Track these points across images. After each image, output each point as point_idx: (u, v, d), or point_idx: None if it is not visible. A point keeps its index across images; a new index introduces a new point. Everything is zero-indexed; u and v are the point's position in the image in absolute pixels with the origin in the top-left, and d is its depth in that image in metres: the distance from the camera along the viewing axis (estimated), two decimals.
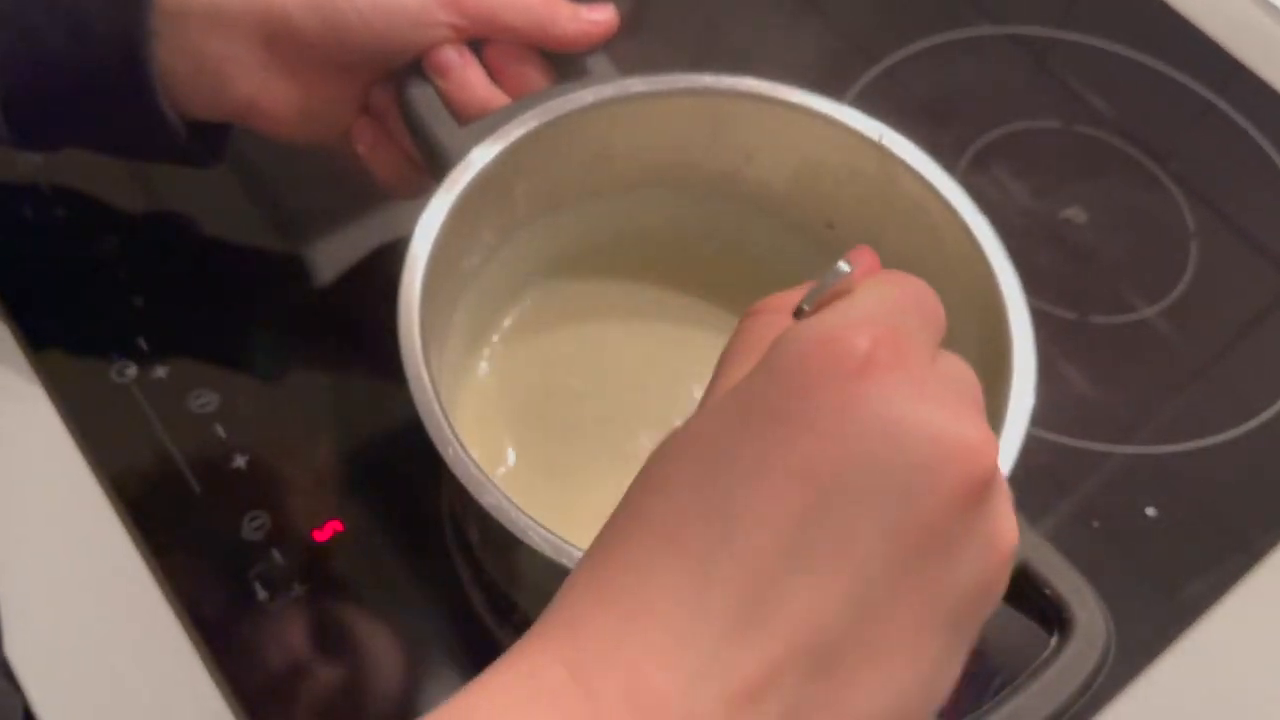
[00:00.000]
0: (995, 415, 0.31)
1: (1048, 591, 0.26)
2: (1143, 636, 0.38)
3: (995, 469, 0.22)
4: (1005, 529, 0.22)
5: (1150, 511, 0.41)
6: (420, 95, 0.38)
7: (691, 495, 0.21)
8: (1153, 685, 0.37)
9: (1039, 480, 0.42)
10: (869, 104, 0.52)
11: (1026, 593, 0.26)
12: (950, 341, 0.36)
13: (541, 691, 0.20)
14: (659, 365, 0.40)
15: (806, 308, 0.23)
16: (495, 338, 0.40)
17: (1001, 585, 0.22)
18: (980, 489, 0.21)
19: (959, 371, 0.23)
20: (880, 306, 0.23)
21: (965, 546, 0.21)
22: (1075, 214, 0.50)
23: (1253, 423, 0.44)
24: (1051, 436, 0.43)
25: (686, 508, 0.21)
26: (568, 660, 0.20)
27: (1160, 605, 0.39)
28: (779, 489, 0.21)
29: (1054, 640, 0.25)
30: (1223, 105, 0.54)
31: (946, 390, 0.22)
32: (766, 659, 0.20)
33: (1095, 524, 0.41)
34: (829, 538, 0.20)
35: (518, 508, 0.29)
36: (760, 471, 0.21)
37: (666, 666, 0.20)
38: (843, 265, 0.23)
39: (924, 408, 0.21)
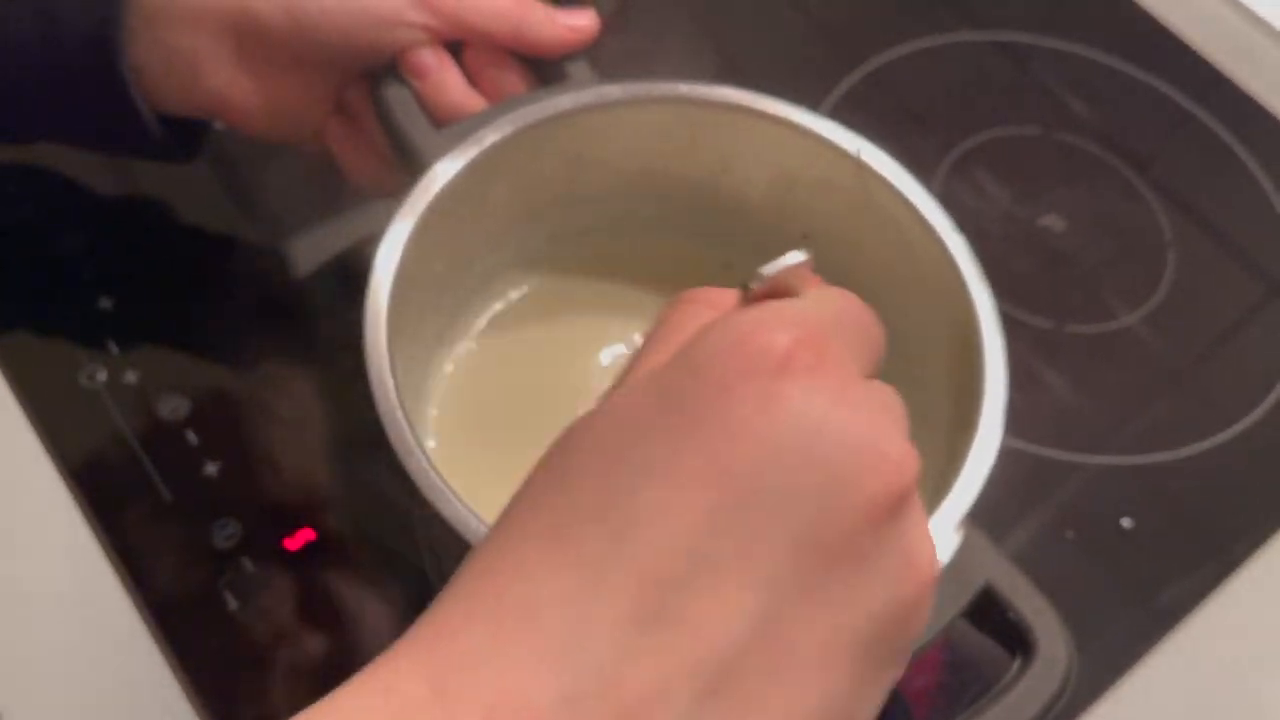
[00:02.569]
0: (966, 427, 0.31)
1: (1010, 614, 0.26)
2: (1116, 646, 0.39)
3: (913, 487, 0.21)
4: (923, 550, 0.21)
5: (1125, 522, 0.42)
6: (395, 97, 0.38)
7: (591, 491, 0.20)
8: (1123, 699, 0.38)
9: (1014, 490, 0.42)
10: (851, 107, 0.52)
11: (990, 614, 0.26)
12: (922, 353, 0.36)
13: (399, 710, 0.18)
14: None
15: (754, 286, 0.23)
16: (468, 338, 0.40)
17: (923, 611, 0.21)
18: (897, 504, 0.20)
19: (886, 393, 0.22)
20: (815, 312, 0.22)
21: (879, 565, 0.20)
22: (1053, 221, 0.50)
23: (1229, 432, 0.44)
24: (1026, 446, 0.43)
25: (583, 504, 0.20)
26: (431, 674, 0.19)
27: (1134, 616, 0.40)
28: (685, 490, 0.19)
29: (1016, 663, 0.25)
30: (1202, 114, 0.54)
31: (870, 402, 0.21)
32: (656, 675, 0.18)
33: (1070, 534, 0.41)
34: (735, 545, 0.19)
35: (478, 518, 0.29)
36: (666, 470, 0.20)
37: (543, 681, 0.18)
38: (799, 254, 0.23)
39: (844, 416, 0.20)
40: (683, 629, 0.19)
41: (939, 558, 0.21)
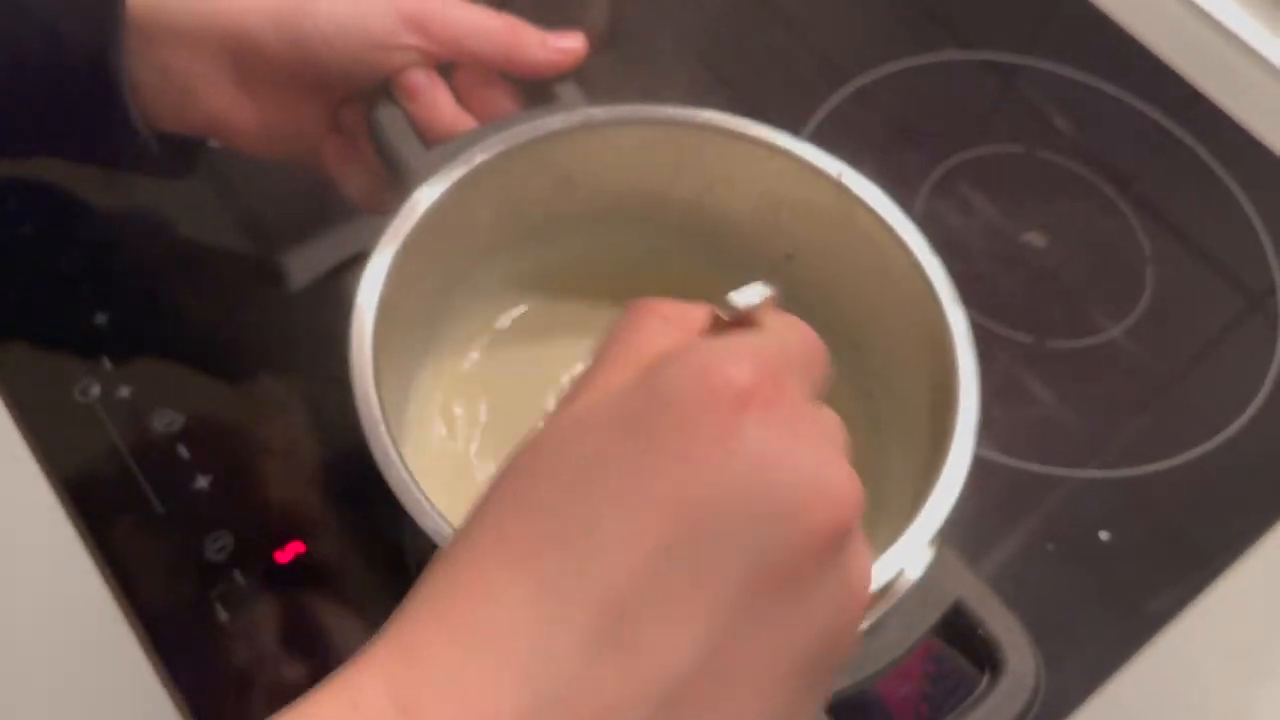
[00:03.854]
0: (942, 445, 0.31)
1: (980, 632, 0.26)
2: (1094, 656, 0.39)
3: (855, 519, 0.22)
4: (860, 578, 0.22)
5: (1104, 535, 0.42)
6: (388, 116, 0.38)
7: (556, 515, 0.21)
8: (1100, 709, 0.38)
9: (996, 504, 0.43)
10: (838, 125, 0.53)
11: (960, 631, 0.26)
12: (902, 370, 0.37)
13: None
14: None
15: (724, 316, 0.23)
16: (455, 354, 0.40)
17: (853, 634, 0.22)
18: (840, 536, 0.21)
19: (833, 423, 0.23)
20: (775, 345, 0.23)
21: (821, 593, 0.21)
22: (1036, 237, 0.51)
23: (1207, 445, 0.45)
24: (1008, 460, 0.44)
25: (548, 529, 0.20)
26: (396, 691, 0.19)
27: (1112, 627, 0.40)
28: (646, 519, 0.20)
29: (986, 679, 0.26)
30: (1180, 133, 0.55)
31: (821, 435, 0.22)
32: (613, 697, 0.19)
33: (1050, 547, 0.42)
34: (689, 575, 0.20)
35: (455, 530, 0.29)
36: (627, 499, 0.20)
37: (506, 702, 0.19)
38: (765, 289, 0.24)
39: (797, 450, 0.21)
40: (638, 654, 0.20)
41: (874, 586, 0.23)
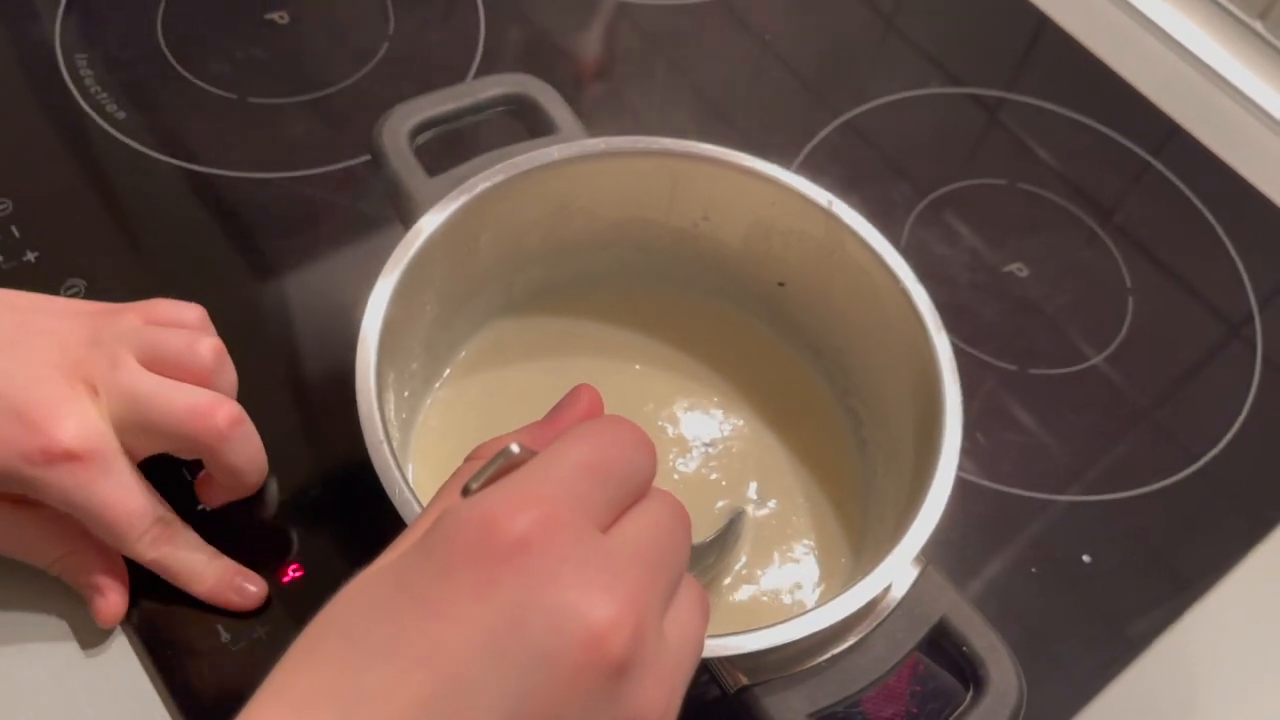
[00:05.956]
0: (927, 467, 0.32)
1: (964, 649, 0.27)
2: (1077, 677, 0.40)
3: (627, 648, 0.21)
4: (647, 706, 0.22)
5: (1086, 558, 0.43)
6: (391, 145, 0.39)
7: (332, 667, 0.21)
8: None
9: (980, 527, 0.43)
10: (828, 156, 0.54)
11: (945, 648, 0.27)
12: (887, 394, 0.38)
13: None
14: (614, 401, 0.41)
15: (474, 486, 0.23)
16: (451, 373, 0.41)
17: None
18: (607, 673, 0.21)
19: (639, 533, 0.23)
20: (552, 476, 0.23)
21: None
22: (1019, 267, 0.52)
23: (1185, 471, 0.46)
24: (993, 485, 0.45)
25: (320, 683, 0.21)
26: None
27: (1094, 648, 0.41)
28: (402, 674, 0.21)
29: (969, 695, 0.27)
30: (1159, 165, 0.56)
31: (599, 566, 0.22)
32: None
33: (1033, 570, 0.43)
34: None
35: None
36: (388, 656, 0.21)
37: None
38: (512, 447, 0.23)
39: (556, 592, 0.21)
40: None
41: (672, 712, 0.22)
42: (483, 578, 0.21)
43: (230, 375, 0.37)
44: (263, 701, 0.22)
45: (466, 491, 0.23)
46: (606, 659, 0.21)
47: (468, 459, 0.26)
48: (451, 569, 0.21)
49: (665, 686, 0.22)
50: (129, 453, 0.34)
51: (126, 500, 0.34)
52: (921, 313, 0.35)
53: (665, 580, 0.23)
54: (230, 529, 0.38)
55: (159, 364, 0.35)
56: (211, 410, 0.34)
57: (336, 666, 0.21)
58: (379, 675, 0.21)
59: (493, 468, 0.23)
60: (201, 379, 0.35)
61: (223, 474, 0.36)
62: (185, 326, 0.37)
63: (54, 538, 0.36)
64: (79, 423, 0.33)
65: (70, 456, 0.32)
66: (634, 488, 0.24)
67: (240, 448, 0.35)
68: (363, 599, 0.23)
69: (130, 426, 0.34)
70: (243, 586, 0.37)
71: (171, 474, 0.36)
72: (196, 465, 0.38)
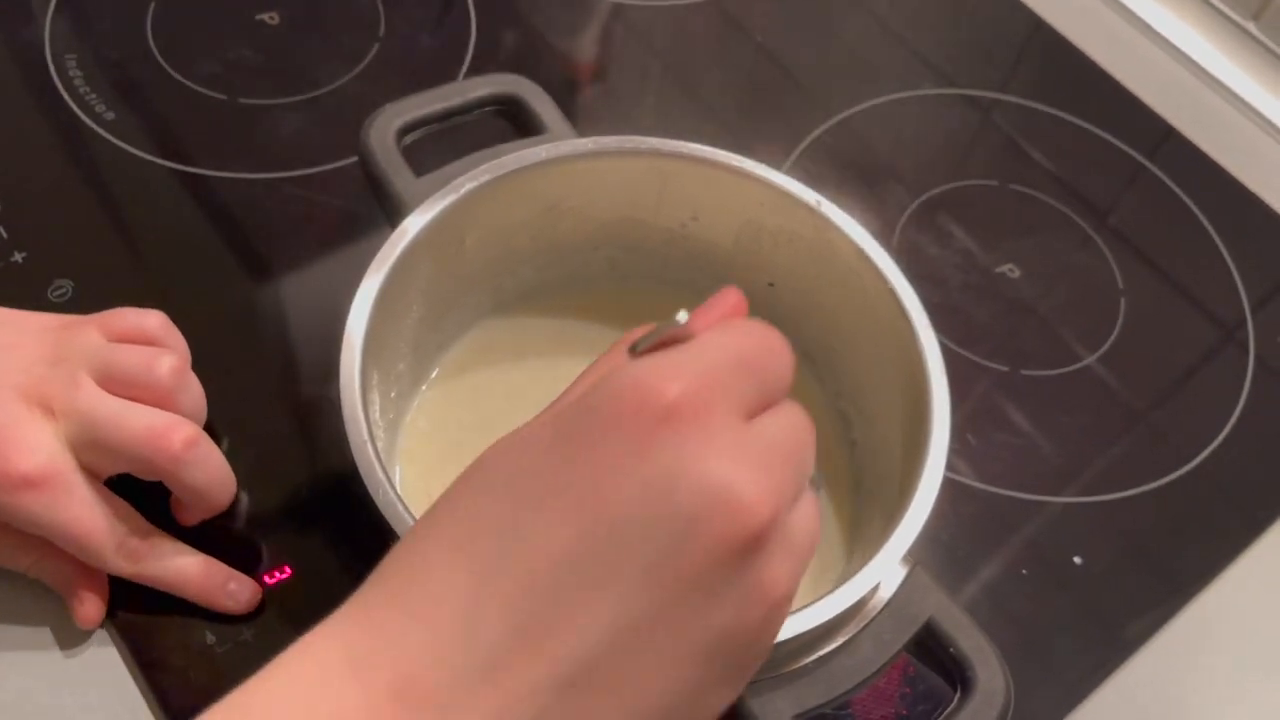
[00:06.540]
0: (915, 466, 0.32)
1: (952, 650, 0.27)
2: (1067, 679, 0.40)
3: (766, 527, 0.23)
4: (772, 581, 0.23)
5: (1077, 559, 0.43)
6: (379, 144, 0.39)
7: (489, 508, 0.23)
8: None
9: (971, 529, 0.43)
10: (820, 157, 0.54)
11: (932, 649, 0.27)
12: (877, 393, 0.38)
13: (323, 680, 0.22)
14: None
15: (640, 348, 0.24)
16: (440, 374, 0.41)
17: (769, 632, 0.24)
18: (744, 544, 0.22)
19: (778, 431, 0.24)
20: (707, 359, 0.24)
21: (725, 594, 0.23)
22: (1011, 270, 0.52)
23: (1177, 473, 0.46)
24: (984, 486, 0.45)
25: (481, 519, 0.23)
26: (350, 651, 0.23)
27: (1085, 649, 0.41)
28: (561, 516, 0.22)
29: (956, 696, 0.26)
30: (1153, 167, 0.56)
31: (746, 448, 0.23)
32: (527, 670, 0.22)
33: (1024, 571, 0.43)
34: (597, 570, 0.22)
35: None
36: (548, 498, 0.23)
37: (435, 668, 0.22)
38: (680, 315, 0.25)
39: (709, 462, 0.22)
40: (550, 633, 0.22)
41: (790, 596, 0.24)
42: (643, 436, 0.22)
43: (194, 392, 0.37)
44: (424, 539, 0.24)
45: (633, 350, 0.24)
46: (748, 530, 0.22)
47: (620, 342, 0.27)
48: (612, 425, 0.23)
49: (791, 567, 0.24)
50: (91, 473, 0.34)
51: (91, 519, 0.34)
52: (910, 313, 0.35)
53: (798, 477, 0.25)
54: (216, 531, 0.38)
55: (117, 384, 0.35)
56: (167, 433, 0.34)
57: (496, 506, 0.23)
58: (535, 516, 0.23)
59: (661, 333, 0.24)
60: (160, 399, 0.35)
61: (184, 494, 0.36)
62: (147, 335, 0.37)
63: (25, 543, 0.36)
64: (35, 447, 0.33)
65: (29, 483, 0.33)
66: (775, 390, 0.25)
67: (198, 470, 0.35)
68: (521, 448, 0.24)
69: (88, 447, 0.34)
70: (233, 590, 0.37)
71: (153, 484, 0.36)
72: None
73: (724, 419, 0.23)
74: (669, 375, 0.23)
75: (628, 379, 0.23)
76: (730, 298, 0.28)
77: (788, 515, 0.24)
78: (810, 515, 0.25)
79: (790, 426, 0.25)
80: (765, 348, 0.25)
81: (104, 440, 0.34)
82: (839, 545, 0.38)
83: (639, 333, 0.25)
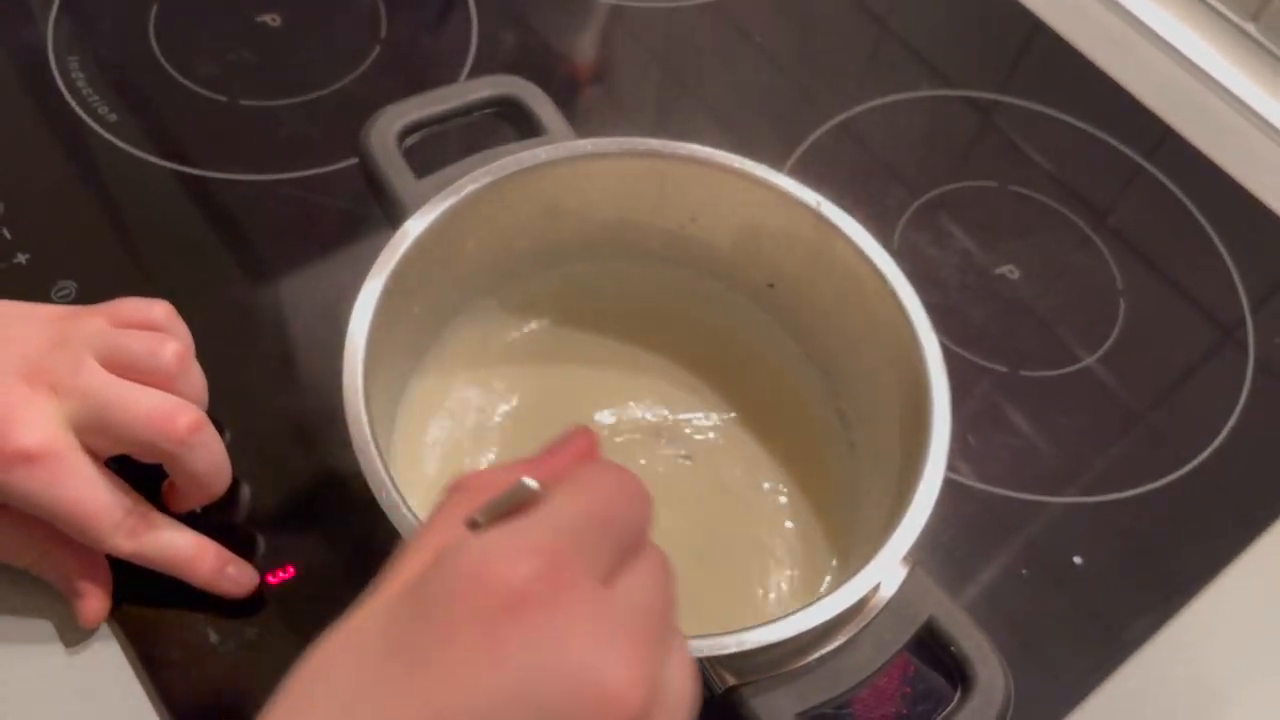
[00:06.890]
0: (914, 469, 0.32)
1: (953, 649, 0.27)
2: (1067, 679, 0.40)
3: (644, 709, 0.20)
4: None
5: (1077, 560, 0.43)
6: (379, 146, 0.39)
7: None
8: None
9: (972, 529, 0.43)
10: (820, 158, 0.54)
11: (932, 649, 0.27)
12: (875, 395, 0.38)
13: None
14: (603, 404, 0.42)
15: (480, 521, 0.22)
16: (440, 375, 0.41)
17: None
18: None
19: (640, 591, 0.22)
20: (557, 523, 0.22)
21: None
22: (1010, 270, 0.52)
23: (1177, 473, 0.46)
24: (984, 487, 0.45)
25: None
26: None
27: (1085, 649, 0.41)
28: None
29: (957, 695, 0.27)
30: (1152, 168, 0.56)
31: (610, 620, 0.21)
32: None
33: (1024, 572, 0.43)
34: None
35: None
36: (388, 717, 0.20)
37: None
38: (528, 482, 0.22)
39: (570, 653, 0.20)
40: None
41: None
42: (487, 639, 0.20)
43: (196, 379, 0.37)
44: None
45: (474, 526, 0.22)
46: (624, 716, 0.20)
47: (450, 489, 0.25)
48: (454, 626, 0.20)
49: None
50: (92, 453, 0.34)
51: (91, 496, 0.34)
52: (910, 313, 0.35)
53: (666, 635, 0.23)
54: (221, 529, 0.38)
55: (122, 367, 0.34)
56: (172, 415, 0.34)
57: None
58: None
59: (506, 503, 0.22)
60: (164, 383, 0.35)
61: (183, 479, 0.36)
62: (152, 324, 0.36)
63: (28, 539, 0.35)
64: (35, 424, 0.33)
65: (28, 458, 0.32)
66: (634, 540, 0.23)
67: (200, 454, 0.35)
68: (352, 656, 0.21)
69: (90, 428, 0.34)
70: (232, 573, 0.37)
71: (148, 469, 0.36)
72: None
73: (581, 592, 0.21)
74: (513, 556, 0.20)
75: (464, 566, 0.20)
76: (579, 440, 0.25)
77: (663, 675, 0.22)
78: (684, 665, 0.23)
79: (653, 581, 0.23)
80: (620, 495, 0.23)
81: (108, 421, 0.33)
82: (833, 549, 0.38)
83: (468, 497, 0.23)
